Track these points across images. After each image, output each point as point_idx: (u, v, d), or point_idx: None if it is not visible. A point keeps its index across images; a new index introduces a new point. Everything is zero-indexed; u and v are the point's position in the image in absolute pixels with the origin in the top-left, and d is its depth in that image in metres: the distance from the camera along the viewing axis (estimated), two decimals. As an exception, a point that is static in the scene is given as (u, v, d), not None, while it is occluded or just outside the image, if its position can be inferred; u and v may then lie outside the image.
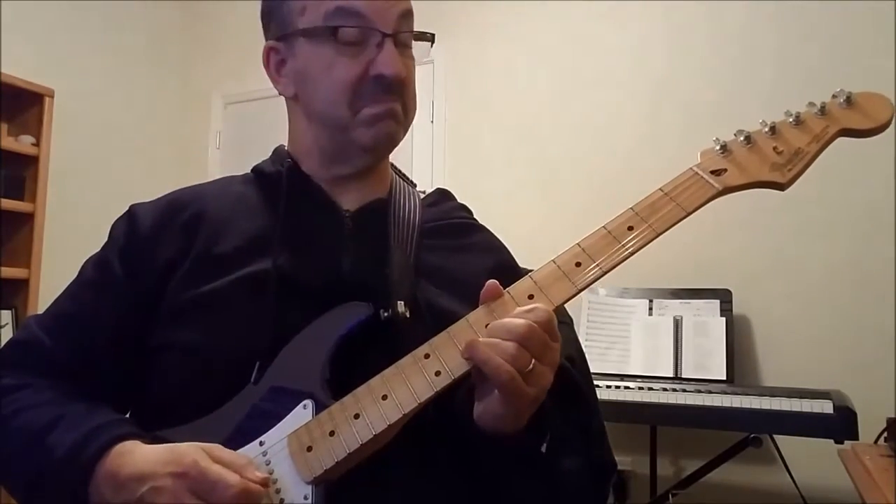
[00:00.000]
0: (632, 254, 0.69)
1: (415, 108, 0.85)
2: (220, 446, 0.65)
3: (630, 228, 0.71)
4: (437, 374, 0.66)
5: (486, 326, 0.66)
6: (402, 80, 0.78)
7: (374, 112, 0.80)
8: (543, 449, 0.72)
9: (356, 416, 0.66)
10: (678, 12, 2.66)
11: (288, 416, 0.69)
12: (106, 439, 0.68)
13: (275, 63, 0.85)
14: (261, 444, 0.69)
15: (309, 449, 0.66)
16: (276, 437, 0.68)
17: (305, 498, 0.65)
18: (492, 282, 0.70)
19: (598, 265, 0.69)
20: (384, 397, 0.67)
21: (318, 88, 0.81)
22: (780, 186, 0.73)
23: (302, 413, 0.69)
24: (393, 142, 0.83)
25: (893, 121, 0.75)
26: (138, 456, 0.65)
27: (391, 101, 0.79)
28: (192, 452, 0.63)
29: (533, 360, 0.63)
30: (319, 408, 0.69)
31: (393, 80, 0.78)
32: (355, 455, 0.65)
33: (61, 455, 0.68)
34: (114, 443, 0.67)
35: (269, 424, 0.69)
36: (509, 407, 0.65)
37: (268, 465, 0.67)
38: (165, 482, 0.62)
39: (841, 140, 0.76)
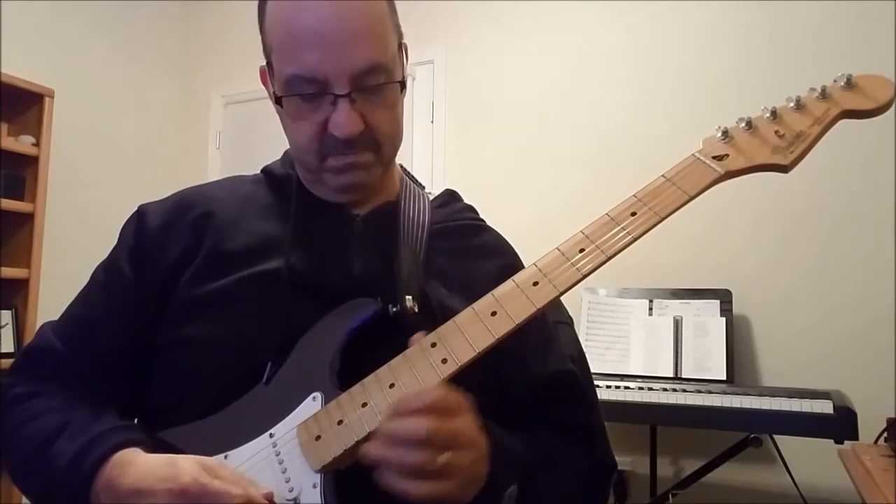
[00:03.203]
0: (635, 239, 0.69)
1: (395, 141, 0.84)
2: (221, 464, 0.65)
3: (633, 214, 0.71)
4: (444, 361, 0.67)
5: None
6: (359, 134, 0.77)
7: (336, 165, 0.80)
8: (510, 492, 0.71)
9: (364, 405, 0.67)
10: (680, 12, 2.67)
11: (298, 409, 0.70)
12: (104, 449, 0.68)
13: (269, 82, 0.84)
14: (271, 435, 0.69)
15: (318, 438, 0.67)
16: (286, 428, 0.69)
17: (314, 486, 0.65)
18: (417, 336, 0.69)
19: (601, 250, 0.69)
20: (391, 386, 0.67)
21: (289, 134, 0.83)
22: (783, 168, 0.73)
23: (311, 405, 0.70)
24: (363, 186, 0.83)
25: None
26: (136, 468, 0.65)
27: (353, 154, 0.79)
28: (190, 469, 0.62)
29: (447, 453, 0.61)
30: (329, 399, 0.69)
31: (344, 142, 0.77)
32: (364, 443, 0.66)
33: (63, 465, 0.68)
34: (112, 452, 0.68)
35: (280, 417, 0.70)
36: None
37: (278, 455, 0.68)
38: (163, 500, 0.61)
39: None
